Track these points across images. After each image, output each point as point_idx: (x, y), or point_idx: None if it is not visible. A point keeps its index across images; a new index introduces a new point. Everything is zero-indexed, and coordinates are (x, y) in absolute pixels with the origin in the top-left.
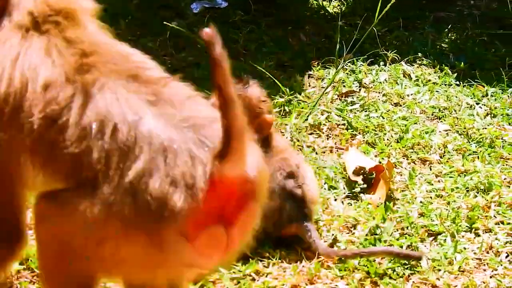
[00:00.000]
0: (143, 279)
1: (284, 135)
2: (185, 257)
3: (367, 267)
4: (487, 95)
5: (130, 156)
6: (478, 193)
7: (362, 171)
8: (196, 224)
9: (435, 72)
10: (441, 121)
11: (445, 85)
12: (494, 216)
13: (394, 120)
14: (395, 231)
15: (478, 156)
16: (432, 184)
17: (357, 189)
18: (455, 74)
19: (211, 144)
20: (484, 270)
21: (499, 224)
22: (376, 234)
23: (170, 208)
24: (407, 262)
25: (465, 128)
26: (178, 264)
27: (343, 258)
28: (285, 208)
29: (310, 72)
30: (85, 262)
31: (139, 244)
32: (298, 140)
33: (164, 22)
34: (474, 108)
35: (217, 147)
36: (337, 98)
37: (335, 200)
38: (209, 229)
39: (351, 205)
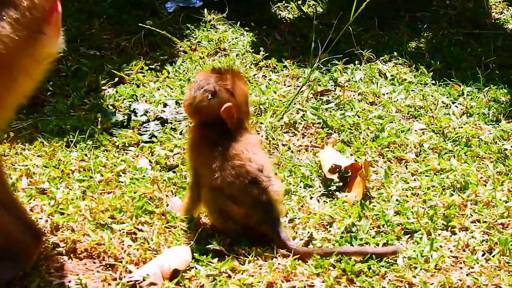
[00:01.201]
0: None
1: (259, 133)
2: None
3: (343, 265)
4: (463, 94)
5: None
6: (454, 191)
7: (338, 170)
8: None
9: (410, 71)
10: (417, 120)
11: (421, 84)
12: (471, 214)
13: (370, 119)
14: (371, 229)
15: (454, 155)
16: (408, 183)
17: (333, 187)
18: (431, 73)
19: None
20: (461, 268)
21: (475, 223)
22: (352, 232)
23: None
24: (382, 260)
25: (441, 127)
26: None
27: (316, 256)
28: (253, 215)
29: (285, 71)
30: None
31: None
32: (273, 139)
33: (140, 24)
34: (450, 107)
35: None
36: (312, 97)
37: (311, 198)
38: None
39: (327, 203)
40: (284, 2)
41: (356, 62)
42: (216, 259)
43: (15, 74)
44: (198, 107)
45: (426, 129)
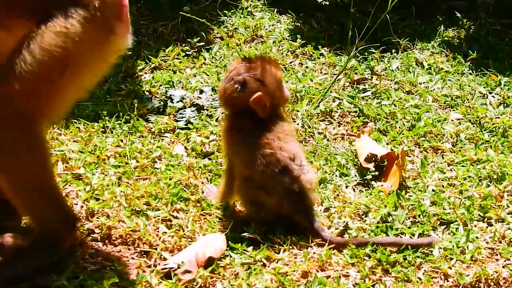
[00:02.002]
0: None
1: (295, 121)
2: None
3: (378, 255)
4: (500, 84)
5: None
6: (491, 182)
7: (373, 159)
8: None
9: (447, 61)
10: (454, 110)
11: (458, 73)
12: (507, 205)
13: (406, 108)
14: (406, 219)
15: (490, 145)
16: (444, 173)
17: (369, 176)
18: (468, 63)
19: None
20: (497, 259)
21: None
22: (388, 222)
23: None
24: (418, 250)
25: (477, 117)
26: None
27: (351, 245)
28: (284, 204)
29: (321, 59)
30: None
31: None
32: (309, 127)
33: (178, 11)
34: (487, 97)
35: None
36: (348, 85)
37: (347, 187)
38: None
39: (362, 192)
40: None
41: (393, 50)
42: (251, 247)
43: (81, 71)
44: (229, 98)
45: (462, 119)
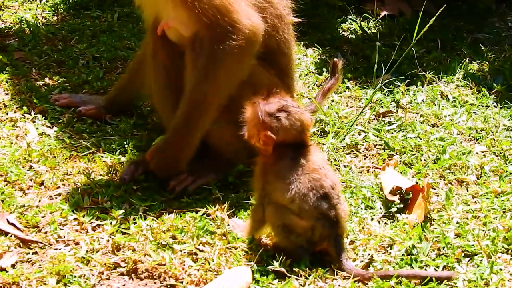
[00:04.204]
0: None
1: None
2: None
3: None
4: None
5: None
6: None
7: (398, 191)
8: None
9: (472, 93)
10: (478, 142)
11: (483, 106)
12: None
13: (431, 140)
14: (431, 252)
15: None
16: (469, 205)
17: (394, 209)
18: (493, 96)
19: None
20: None
21: None
22: (413, 254)
23: None
24: (442, 283)
25: (502, 150)
26: None
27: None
28: (318, 228)
29: (347, 92)
30: None
31: None
32: (335, 160)
33: None
34: (511, 130)
35: None
36: (374, 118)
37: (372, 219)
38: None
39: (387, 224)
40: (347, 23)
41: (418, 83)
42: (277, 280)
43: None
44: (288, 129)
45: (487, 151)
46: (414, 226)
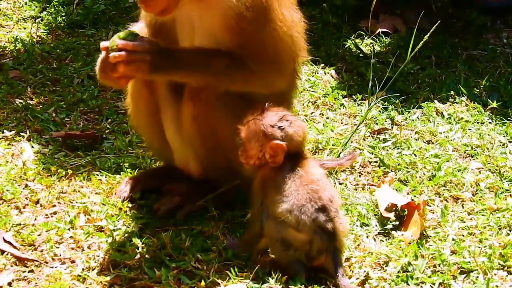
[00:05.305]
0: None
1: None
2: None
3: None
4: None
5: None
6: (510, 231)
7: (394, 208)
8: None
9: (467, 110)
10: (474, 159)
11: (478, 123)
12: None
13: (427, 157)
14: (427, 269)
15: (510, 194)
16: (465, 222)
17: (389, 226)
18: (488, 112)
19: None
20: None
21: None
22: (408, 271)
23: None
24: None
25: (497, 166)
26: None
27: None
28: (316, 241)
29: (342, 109)
30: None
31: None
32: (330, 176)
33: None
34: (506, 146)
35: None
36: (369, 136)
37: (367, 237)
38: None
39: (383, 242)
40: (341, 40)
41: (413, 100)
42: None
43: None
44: (292, 137)
45: (482, 168)
46: (409, 243)
